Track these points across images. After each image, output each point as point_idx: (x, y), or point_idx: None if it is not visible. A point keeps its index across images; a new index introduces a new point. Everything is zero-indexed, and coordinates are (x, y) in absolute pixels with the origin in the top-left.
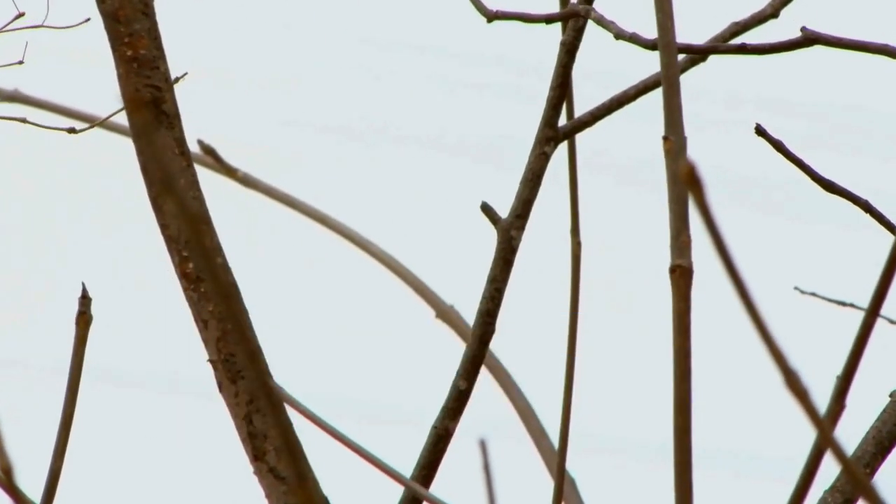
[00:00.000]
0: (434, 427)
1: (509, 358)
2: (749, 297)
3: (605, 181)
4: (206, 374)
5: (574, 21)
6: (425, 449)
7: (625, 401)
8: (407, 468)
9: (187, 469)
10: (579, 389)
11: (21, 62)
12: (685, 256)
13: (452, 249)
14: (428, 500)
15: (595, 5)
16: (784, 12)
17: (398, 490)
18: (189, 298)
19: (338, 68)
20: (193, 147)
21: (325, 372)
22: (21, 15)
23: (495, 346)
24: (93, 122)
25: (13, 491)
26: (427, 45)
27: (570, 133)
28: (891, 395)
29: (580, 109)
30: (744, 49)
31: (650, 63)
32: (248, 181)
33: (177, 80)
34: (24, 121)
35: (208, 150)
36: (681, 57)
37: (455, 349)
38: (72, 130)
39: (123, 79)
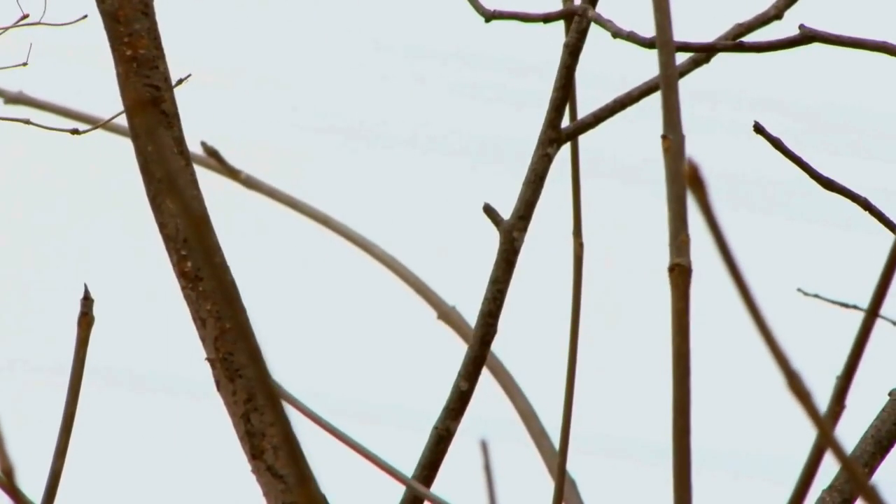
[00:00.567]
0: (435, 427)
1: (511, 359)
2: (751, 297)
3: (607, 183)
4: (203, 373)
5: (577, 23)
6: (426, 449)
7: (626, 402)
8: (408, 468)
9: (186, 468)
10: (580, 390)
11: (25, 63)
12: (684, 255)
13: (454, 251)
14: (429, 499)
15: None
16: (787, 14)
17: (399, 490)
18: (187, 297)
19: (339, 70)
20: (197, 148)
21: (326, 372)
22: (26, 16)
23: (497, 347)
24: (96, 123)
25: (14, 491)
26: (429, 47)
27: (572, 134)
28: (890, 395)
29: (583, 111)
30: (742, 47)
31: (652, 66)
32: (250, 182)
33: (180, 81)
34: (27, 122)
35: (211, 152)
36: (684, 58)
37: (457, 350)
38: (75, 132)
39: (123, 78)
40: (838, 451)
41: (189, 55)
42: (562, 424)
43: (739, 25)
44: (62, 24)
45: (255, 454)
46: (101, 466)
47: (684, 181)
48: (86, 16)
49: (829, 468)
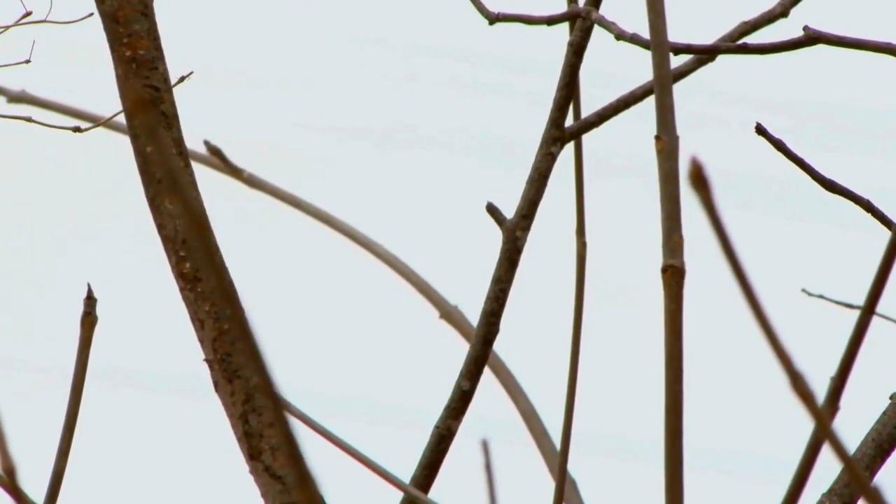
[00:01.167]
0: (437, 427)
1: (513, 358)
2: (755, 298)
3: (611, 182)
4: (202, 374)
5: (581, 22)
6: (427, 448)
7: (627, 402)
8: (409, 468)
9: (185, 468)
10: (582, 390)
11: (28, 61)
12: (677, 257)
13: (457, 250)
14: None
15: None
16: (793, 12)
17: (398, 494)
18: (186, 298)
19: (342, 69)
20: (199, 148)
21: (328, 371)
22: (28, 14)
23: (499, 346)
24: (97, 121)
25: (16, 492)
26: (432, 46)
27: (576, 133)
28: (891, 398)
29: (587, 110)
30: (746, 49)
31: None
32: (253, 182)
33: (181, 80)
34: (29, 120)
35: (214, 151)
36: (689, 58)
37: (459, 349)
38: (77, 129)
39: (122, 79)
40: (842, 454)
41: (189, 55)
42: (563, 424)
43: (745, 23)
44: (67, 22)
45: (253, 455)
46: (103, 466)
47: (678, 181)
48: (91, 14)
49: (827, 472)
